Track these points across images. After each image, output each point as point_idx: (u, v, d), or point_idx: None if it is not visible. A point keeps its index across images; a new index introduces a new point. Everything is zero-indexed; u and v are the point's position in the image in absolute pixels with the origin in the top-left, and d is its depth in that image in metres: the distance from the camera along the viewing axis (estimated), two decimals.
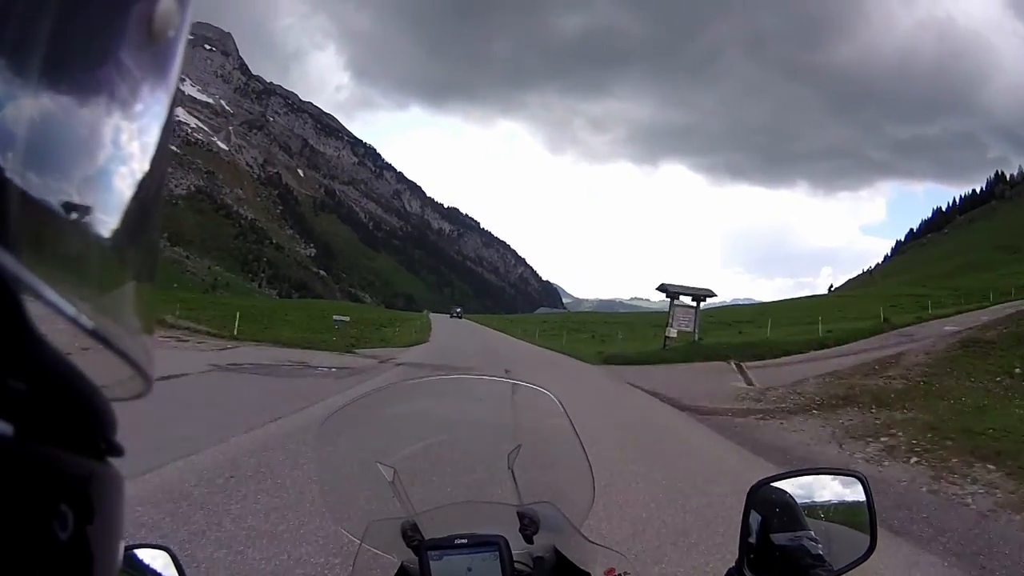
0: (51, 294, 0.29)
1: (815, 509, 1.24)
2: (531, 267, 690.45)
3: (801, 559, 1.19)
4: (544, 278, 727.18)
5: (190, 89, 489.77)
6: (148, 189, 0.35)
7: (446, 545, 1.29)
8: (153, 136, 0.35)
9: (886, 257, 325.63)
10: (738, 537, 1.23)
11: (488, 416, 1.76)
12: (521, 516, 1.35)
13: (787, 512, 1.23)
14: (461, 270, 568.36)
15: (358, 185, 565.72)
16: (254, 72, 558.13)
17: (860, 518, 1.24)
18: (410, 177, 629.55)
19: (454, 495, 1.54)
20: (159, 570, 1.18)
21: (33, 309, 0.30)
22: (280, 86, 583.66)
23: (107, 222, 0.32)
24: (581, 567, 1.37)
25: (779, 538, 1.21)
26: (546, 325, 76.33)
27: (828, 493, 1.27)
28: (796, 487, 1.26)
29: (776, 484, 1.26)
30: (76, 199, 0.31)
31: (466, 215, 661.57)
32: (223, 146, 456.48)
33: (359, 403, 1.64)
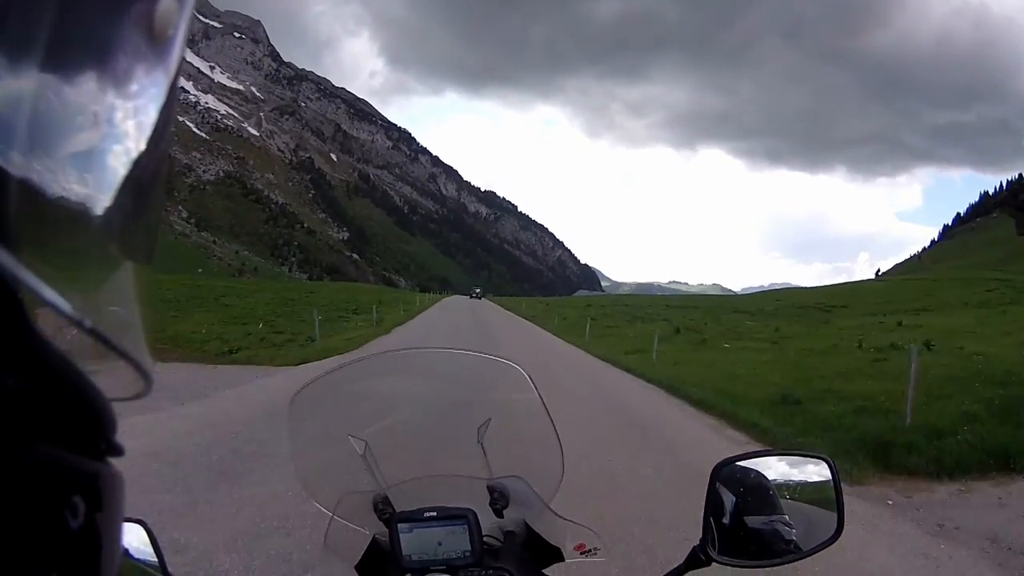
0: (50, 294, 0.29)
1: (781, 489, 1.23)
2: (569, 250, 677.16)
3: (764, 534, 1.18)
4: (582, 261, 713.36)
5: (220, 76, 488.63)
6: (145, 169, 0.34)
7: (416, 518, 1.30)
8: (151, 115, 0.35)
9: (933, 242, 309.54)
10: (702, 514, 1.21)
11: (459, 390, 1.77)
12: (491, 490, 1.36)
13: (761, 494, 1.22)
14: (498, 253, 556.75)
15: (392, 169, 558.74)
16: (286, 60, 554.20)
17: (827, 500, 1.24)
18: (446, 161, 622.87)
19: (425, 468, 1.54)
20: (134, 543, 1.18)
21: (32, 309, 0.29)
22: (312, 72, 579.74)
23: (104, 202, 0.32)
24: (551, 542, 1.38)
25: (753, 521, 1.20)
26: (591, 311, 50.92)
27: (795, 474, 1.27)
28: (762, 467, 1.25)
29: (742, 463, 1.26)
30: (74, 183, 0.31)
31: (503, 198, 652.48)
32: (254, 132, 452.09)
33: (331, 375, 1.59)
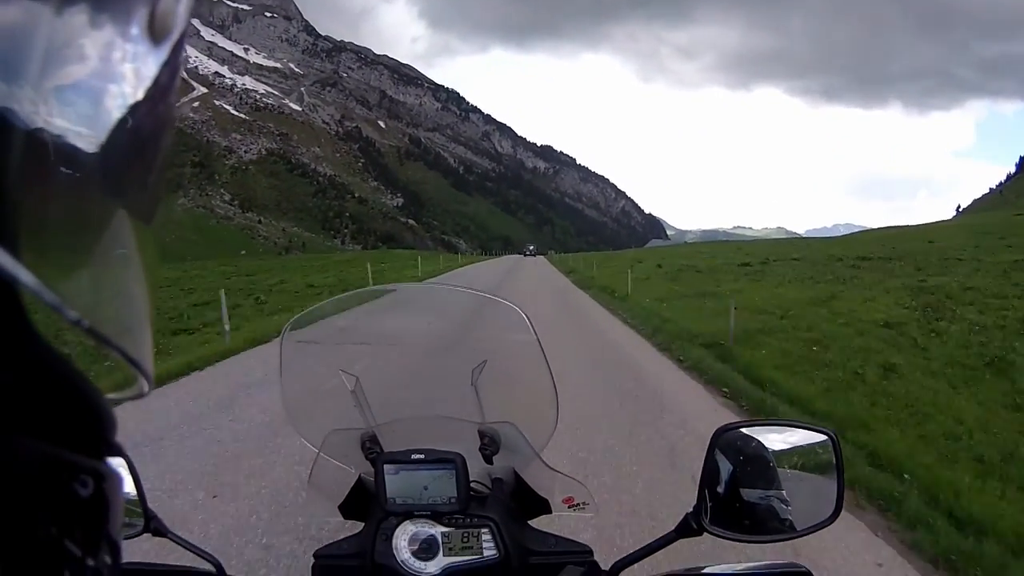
0: (50, 294, 0.28)
1: (781, 461, 1.17)
2: (632, 200, 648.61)
3: (760, 507, 1.15)
4: (646, 211, 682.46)
5: (255, 57, 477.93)
6: (144, 118, 0.34)
7: (403, 460, 1.27)
8: (150, 64, 0.34)
9: (1009, 175, 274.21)
10: (699, 480, 1.18)
11: (455, 329, 1.70)
12: (482, 435, 1.33)
13: (760, 466, 1.17)
14: (560, 208, 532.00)
15: (444, 131, 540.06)
16: (323, 34, 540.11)
17: (826, 477, 1.19)
18: (498, 119, 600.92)
19: (416, 408, 1.51)
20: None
21: (32, 309, 0.29)
22: (352, 43, 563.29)
23: (98, 140, 0.31)
24: (539, 493, 1.36)
25: (749, 494, 1.15)
26: (692, 265, 33.65)
27: (796, 446, 1.21)
28: (763, 436, 1.20)
29: (745, 431, 1.21)
30: (67, 122, 0.30)
31: (560, 152, 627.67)
32: (296, 107, 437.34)
33: (325, 306, 1.56)
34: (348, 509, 1.39)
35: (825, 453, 1.19)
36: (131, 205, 0.35)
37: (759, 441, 1.19)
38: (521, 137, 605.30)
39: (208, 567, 1.23)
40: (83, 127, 0.31)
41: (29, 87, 0.28)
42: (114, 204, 0.33)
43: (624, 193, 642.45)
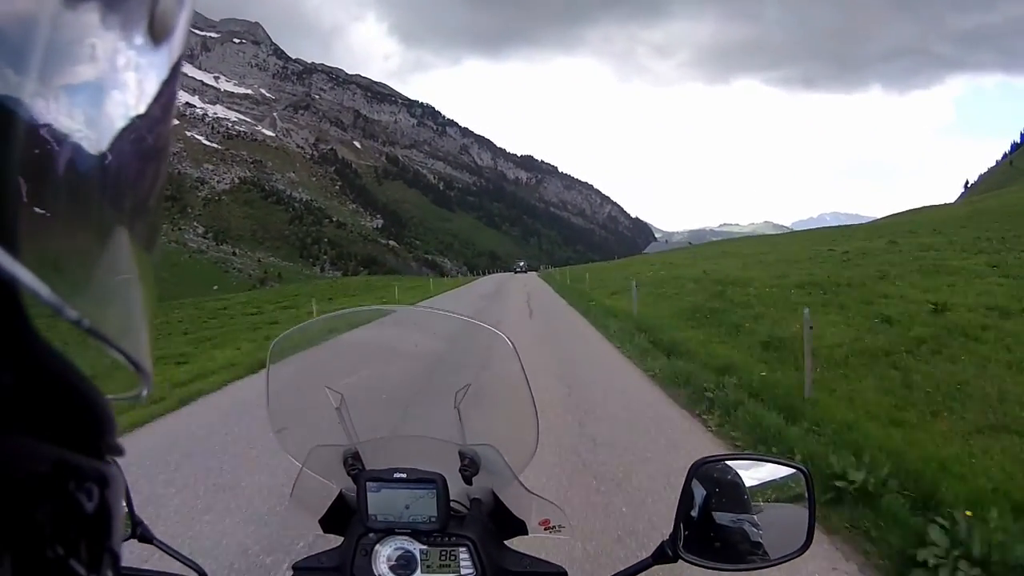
0: (50, 294, 0.28)
1: (755, 493, 1.22)
2: (618, 204, 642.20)
3: (734, 537, 1.17)
4: (632, 215, 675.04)
5: (225, 84, 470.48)
6: (146, 134, 0.34)
7: (385, 478, 1.30)
8: (151, 78, 0.34)
9: (1015, 145, 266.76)
10: (675, 510, 1.22)
11: (441, 352, 1.71)
12: (462, 456, 1.35)
13: (732, 491, 1.21)
14: (545, 218, 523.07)
15: (421, 147, 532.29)
16: (293, 57, 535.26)
17: (798, 510, 1.23)
18: (476, 131, 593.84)
19: (398, 427, 1.52)
20: None
21: (32, 309, 0.29)
22: (323, 64, 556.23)
23: (103, 145, 0.31)
24: (516, 514, 1.38)
25: (721, 517, 1.19)
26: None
27: (770, 481, 1.25)
28: (740, 469, 1.24)
29: (721, 463, 1.25)
30: (75, 124, 0.30)
31: (542, 161, 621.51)
32: (269, 133, 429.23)
33: (314, 323, 1.60)
34: (328, 523, 1.40)
35: (798, 487, 1.24)
36: (132, 224, 0.35)
37: (735, 472, 1.23)
38: (500, 148, 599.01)
39: (192, 574, 1.23)
40: (86, 128, 0.31)
41: (36, 80, 0.28)
42: (114, 208, 0.33)
43: (609, 198, 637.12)
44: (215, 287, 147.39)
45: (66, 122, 0.30)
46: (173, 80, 0.36)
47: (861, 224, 69.18)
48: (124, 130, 0.33)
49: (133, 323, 0.36)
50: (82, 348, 0.32)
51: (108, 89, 0.32)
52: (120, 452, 0.38)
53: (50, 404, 0.32)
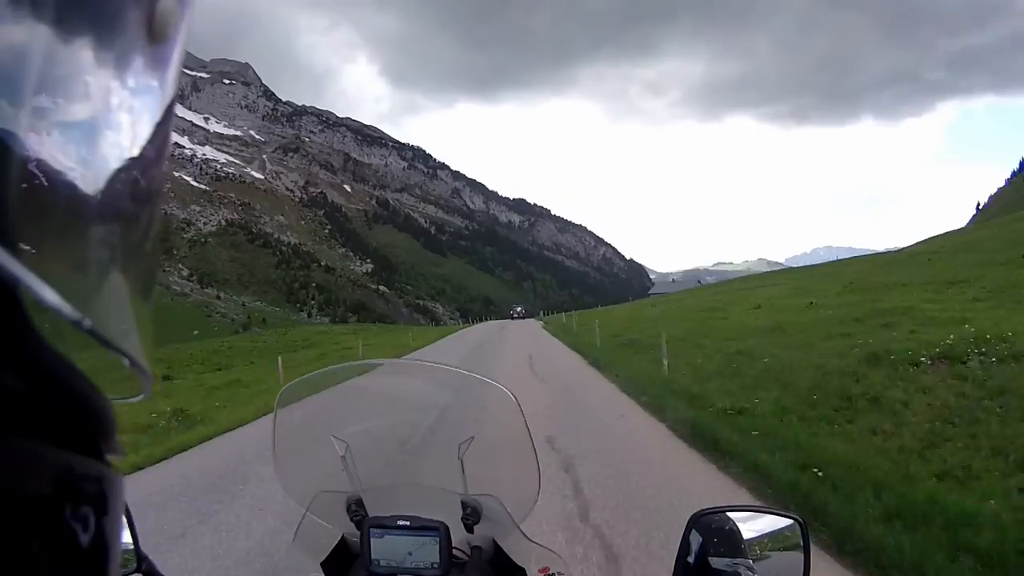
0: (50, 294, 0.28)
1: (752, 544, 1.24)
2: (612, 246, 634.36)
3: None
4: (627, 256, 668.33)
5: (215, 126, 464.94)
6: (143, 169, 0.34)
7: (389, 525, 1.31)
8: (150, 107, 0.35)
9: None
10: (675, 558, 1.23)
11: (445, 404, 1.75)
12: (464, 505, 1.37)
13: (728, 538, 1.23)
14: (539, 261, 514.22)
15: (412, 190, 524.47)
16: (284, 99, 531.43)
17: (794, 560, 1.24)
18: (469, 175, 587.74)
19: (402, 476, 1.57)
20: None
21: (32, 309, 0.29)
22: (314, 107, 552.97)
23: (100, 185, 0.32)
24: (516, 562, 1.39)
25: (717, 562, 1.21)
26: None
27: (766, 531, 1.27)
28: (737, 520, 1.27)
29: (719, 515, 1.28)
30: (76, 190, 0.30)
31: (534, 204, 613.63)
32: (258, 175, 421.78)
33: (321, 374, 1.61)
34: (330, 567, 1.40)
35: (793, 536, 1.26)
36: (126, 268, 0.35)
37: (732, 522, 1.26)
38: (493, 191, 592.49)
39: None
40: (79, 166, 0.31)
41: (30, 114, 0.28)
42: (109, 256, 0.33)
43: (603, 240, 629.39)
44: (196, 332, 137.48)
45: (61, 159, 0.30)
46: (167, 122, 0.36)
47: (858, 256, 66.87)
48: (118, 170, 0.33)
49: (133, 323, 0.36)
50: (82, 349, 0.32)
51: (102, 128, 0.32)
52: (121, 453, 0.38)
53: (50, 405, 0.32)
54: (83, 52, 0.31)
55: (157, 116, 0.36)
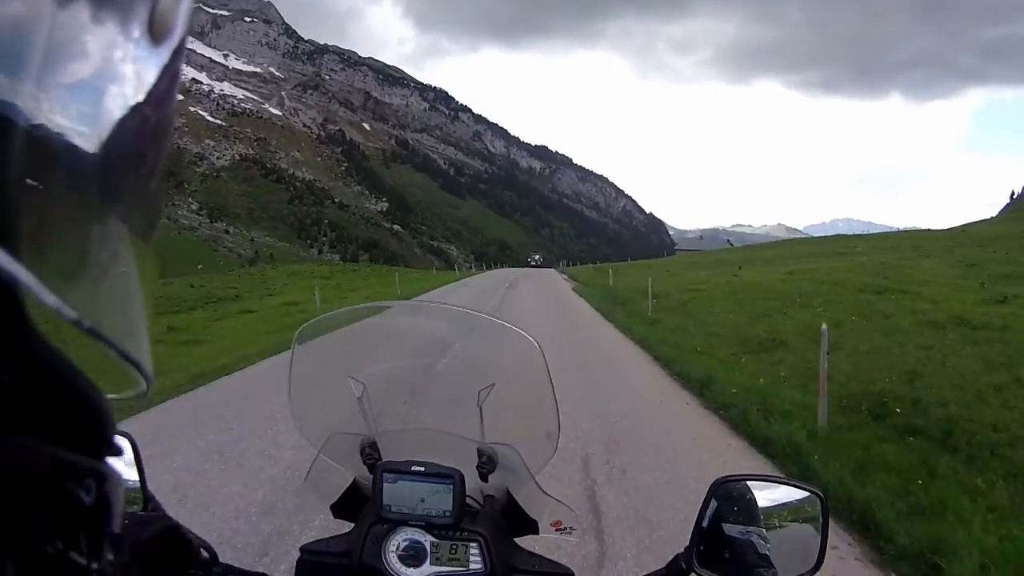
0: (48, 295, 0.28)
1: (770, 514, 1.24)
2: (633, 199, 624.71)
3: (748, 555, 1.19)
4: (647, 211, 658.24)
5: (234, 63, 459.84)
6: (145, 128, 0.34)
7: (403, 470, 1.30)
8: (151, 66, 0.34)
9: None
10: (693, 525, 1.23)
11: (468, 350, 1.73)
12: (480, 453, 1.36)
13: (743, 506, 1.24)
14: (558, 208, 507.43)
15: (432, 131, 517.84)
16: (306, 37, 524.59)
17: (811, 533, 1.24)
18: (490, 119, 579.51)
19: (418, 420, 1.54)
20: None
21: (32, 308, 0.29)
22: (336, 46, 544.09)
23: (97, 143, 0.30)
24: (529, 514, 1.39)
25: (731, 529, 1.21)
26: None
27: (785, 502, 1.27)
28: (756, 489, 1.26)
29: (739, 482, 1.28)
30: (70, 123, 0.29)
31: (556, 152, 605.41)
32: (275, 112, 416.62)
33: (342, 313, 1.58)
34: (339, 510, 1.42)
35: (812, 510, 1.26)
36: (130, 216, 0.34)
37: (751, 491, 1.25)
38: (514, 137, 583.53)
39: (202, 553, 1.18)
40: (84, 126, 0.30)
41: (32, 82, 0.28)
42: (112, 208, 0.33)
43: (624, 192, 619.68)
44: (200, 266, 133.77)
45: (62, 120, 0.29)
46: (174, 69, 0.35)
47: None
48: (122, 124, 0.32)
49: (133, 323, 0.36)
50: (82, 347, 0.32)
51: (105, 83, 0.32)
52: (119, 452, 0.37)
53: (49, 403, 0.32)
54: (84, 12, 0.30)
55: (163, 61, 0.35)
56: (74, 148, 0.30)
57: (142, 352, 0.35)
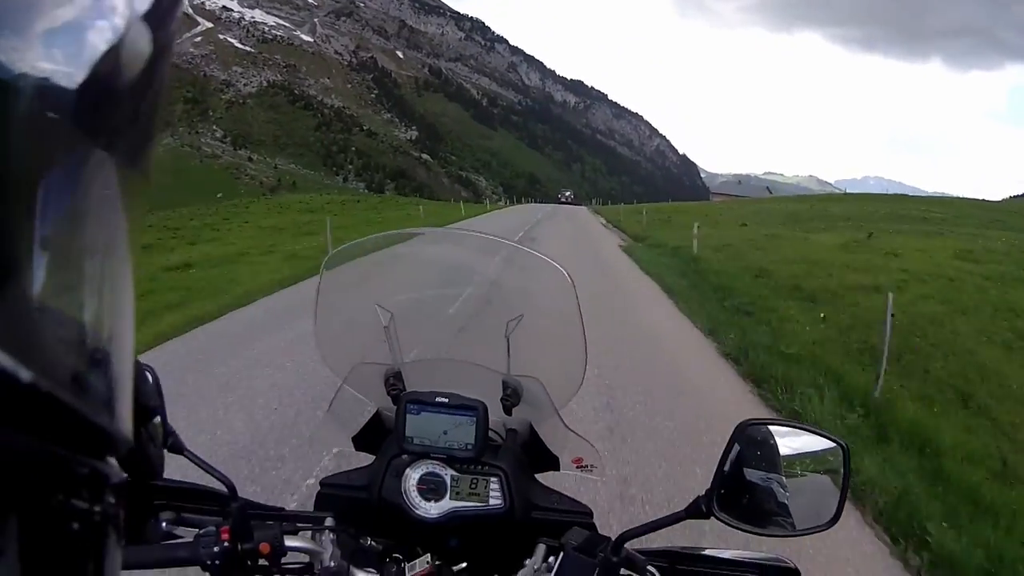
0: (5, 358, 0.26)
1: (792, 462, 1.23)
2: (667, 139, 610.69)
3: (767, 503, 1.19)
4: (680, 152, 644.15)
5: None
6: (133, 60, 0.32)
7: (427, 401, 1.29)
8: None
9: None
10: (715, 467, 1.20)
11: (498, 280, 1.70)
12: (505, 386, 1.35)
13: (766, 451, 1.22)
14: (591, 144, 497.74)
15: (467, 61, 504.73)
16: None
17: (831, 483, 1.24)
18: (527, 51, 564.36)
19: (445, 350, 1.51)
20: (138, 387, 1.18)
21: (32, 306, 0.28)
22: None
23: (82, 76, 0.29)
24: (551, 449, 1.39)
25: (751, 474, 1.20)
26: None
27: (808, 450, 1.26)
28: (780, 435, 1.24)
29: (762, 426, 1.25)
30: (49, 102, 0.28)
31: (592, 87, 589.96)
32: (307, 38, 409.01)
33: (371, 240, 1.56)
34: (361, 442, 1.41)
35: (835, 460, 1.24)
36: (117, 145, 0.32)
37: (774, 437, 1.23)
38: (550, 70, 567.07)
39: (221, 487, 1.23)
40: (70, 67, 0.29)
41: (11, 32, 0.26)
42: (96, 145, 0.31)
43: (658, 131, 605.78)
44: (219, 195, 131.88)
45: (51, 63, 0.28)
46: (171, 8, 0.34)
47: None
48: (112, 60, 0.30)
49: (117, 318, 0.34)
50: (81, 344, 0.31)
51: (96, 22, 0.30)
52: (119, 452, 0.36)
53: (49, 402, 0.30)
54: None
55: None
56: (57, 90, 0.28)
57: (125, 340, 0.34)
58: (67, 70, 0.29)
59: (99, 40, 0.30)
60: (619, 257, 20.00)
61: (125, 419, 0.35)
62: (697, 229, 18.56)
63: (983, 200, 67.05)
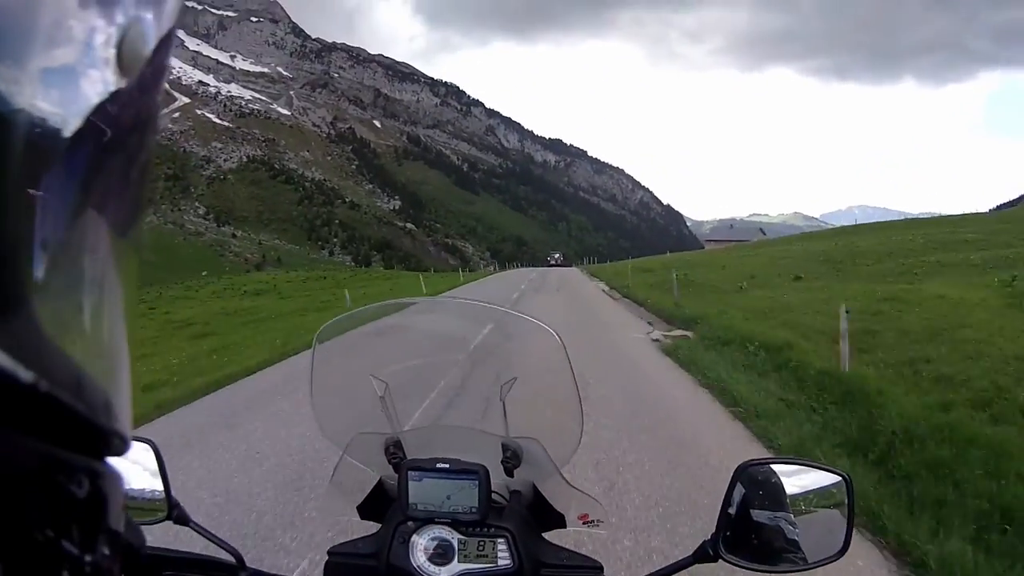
0: (6, 359, 0.27)
1: (797, 499, 1.24)
2: (650, 191, 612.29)
3: (776, 541, 1.19)
4: (664, 202, 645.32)
5: (241, 63, 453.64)
6: (126, 117, 0.33)
7: (428, 467, 1.30)
8: (141, 41, 0.33)
9: None
10: (718, 512, 1.22)
11: (489, 345, 1.73)
12: (505, 448, 1.35)
13: (771, 491, 1.24)
14: (574, 202, 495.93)
15: (444, 127, 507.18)
16: (314, 36, 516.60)
17: (837, 516, 1.25)
18: (503, 113, 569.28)
19: (442, 416, 1.49)
20: (140, 462, 1.22)
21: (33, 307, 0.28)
22: (344, 43, 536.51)
23: (73, 126, 0.30)
24: (556, 508, 1.39)
25: (759, 515, 1.21)
26: None
27: (811, 485, 1.27)
28: (782, 474, 1.26)
29: (763, 466, 1.28)
30: (45, 104, 0.28)
31: (571, 145, 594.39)
32: (284, 111, 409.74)
33: (363, 312, 1.57)
34: (366, 510, 1.42)
35: (839, 493, 1.26)
36: (109, 208, 0.33)
37: (777, 476, 1.25)
38: (528, 130, 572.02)
39: (228, 558, 1.22)
40: (66, 111, 0.29)
41: (15, 66, 0.27)
42: (90, 198, 0.32)
43: (640, 184, 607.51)
44: (204, 272, 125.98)
45: (48, 104, 0.28)
46: (162, 52, 0.34)
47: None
48: (106, 117, 0.31)
49: (111, 365, 0.35)
50: (84, 342, 0.31)
51: (86, 68, 0.30)
52: (119, 452, 0.37)
53: (48, 402, 0.30)
54: None
55: (149, 47, 0.33)
56: (55, 135, 0.29)
57: (124, 414, 0.35)
58: (63, 113, 0.29)
59: (92, 91, 0.30)
60: (673, 384, 9.08)
61: (124, 419, 0.35)
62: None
63: (975, 213, 66.52)
